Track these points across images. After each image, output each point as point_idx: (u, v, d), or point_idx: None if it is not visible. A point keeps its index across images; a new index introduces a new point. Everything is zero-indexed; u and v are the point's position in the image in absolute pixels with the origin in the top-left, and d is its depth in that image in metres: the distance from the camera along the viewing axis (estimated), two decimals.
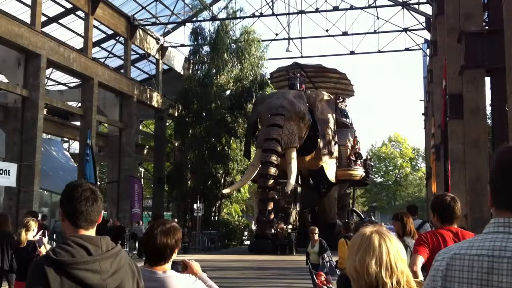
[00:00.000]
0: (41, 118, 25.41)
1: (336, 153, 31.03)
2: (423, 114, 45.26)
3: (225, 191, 31.37)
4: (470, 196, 14.14)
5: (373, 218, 40.33)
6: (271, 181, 27.63)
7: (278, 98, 29.31)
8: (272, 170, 27.45)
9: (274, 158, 27.42)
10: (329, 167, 30.52)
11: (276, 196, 28.46)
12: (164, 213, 38.97)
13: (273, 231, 27.33)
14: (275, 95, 30.65)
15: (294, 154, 27.92)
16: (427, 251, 4.08)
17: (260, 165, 27.91)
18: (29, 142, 24.89)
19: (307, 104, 29.53)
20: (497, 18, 12.59)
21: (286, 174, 27.90)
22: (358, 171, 33.44)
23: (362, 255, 1.87)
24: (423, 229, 7.17)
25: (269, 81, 36.94)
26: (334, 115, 31.50)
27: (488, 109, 17.13)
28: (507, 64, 8.71)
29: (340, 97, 36.15)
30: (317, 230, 11.75)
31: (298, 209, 30.80)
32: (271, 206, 27.74)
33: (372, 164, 46.09)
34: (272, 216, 27.73)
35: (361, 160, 34.22)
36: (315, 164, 29.73)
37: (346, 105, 36.86)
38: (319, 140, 29.51)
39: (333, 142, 30.40)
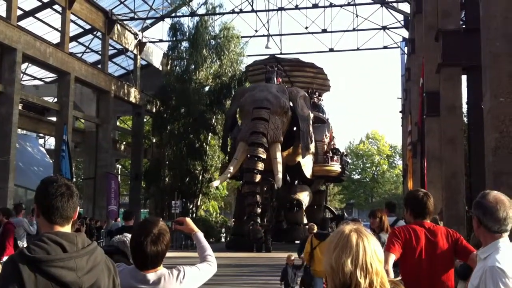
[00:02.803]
0: (16, 113, 25.01)
1: (313, 149, 30.88)
2: (400, 111, 45.60)
3: (215, 183, 30.53)
4: (445, 193, 14.30)
5: (346, 215, 40.19)
6: (259, 176, 26.81)
7: (262, 91, 28.51)
8: (260, 165, 26.65)
9: (262, 152, 26.66)
10: (306, 163, 30.35)
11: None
12: (141, 210, 38.73)
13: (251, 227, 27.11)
14: (258, 87, 29.74)
15: (279, 149, 27.37)
16: (400, 247, 4.10)
17: (247, 159, 26.97)
18: (3, 137, 24.47)
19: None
20: (474, 17, 12.74)
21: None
22: (335, 167, 33.32)
23: (339, 253, 1.87)
24: (397, 226, 7.20)
25: (246, 76, 36.82)
26: (311, 112, 31.35)
27: (464, 107, 17.36)
28: (483, 63, 8.81)
29: (317, 92, 36.14)
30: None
31: (274, 205, 30.59)
32: (259, 199, 27.03)
33: (349, 161, 46.17)
34: (259, 210, 27.05)
35: (338, 156, 34.14)
36: (292, 159, 29.44)
37: (322, 100, 36.90)
38: (300, 136, 29.02)
39: (310, 139, 30.15)
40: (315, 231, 10.54)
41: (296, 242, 28.27)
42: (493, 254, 2.85)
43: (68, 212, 2.36)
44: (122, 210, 38.05)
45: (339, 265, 1.86)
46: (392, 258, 4.03)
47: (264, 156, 26.73)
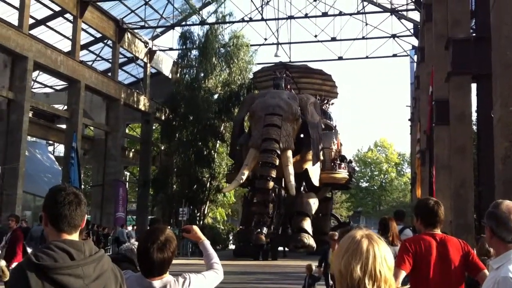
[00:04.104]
0: (26, 120, 25.19)
1: (321, 156, 30.67)
2: (409, 119, 45.51)
3: (232, 186, 29.76)
4: (454, 202, 14.21)
5: (352, 223, 39.90)
6: (271, 183, 26.57)
7: (274, 98, 28.19)
8: (274, 172, 26.39)
9: (275, 158, 26.42)
10: (314, 170, 30.15)
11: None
12: (149, 217, 38.73)
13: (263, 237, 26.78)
14: (269, 94, 29.39)
15: (291, 156, 27.16)
16: (410, 262, 4.07)
17: (260, 166, 26.73)
18: (14, 144, 24.63)
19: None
20: (484, 25, 12.71)
21: None
22: (343, 174, 33.12)
23: (349, 258, 1.85)
24: (404, 235, 7.16)
25: (254, 83, 36.80)
26: (320, 119, 31.18)
27: (474, 116, 17.28)
28: (493, 71, 8.78)
29: (325, 99, 36.04)
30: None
31: (281, 212, 30.34)
32: (270, 209, 26.79)
33: (357, 168, 45.94)
34: (268, 220, 26.77)
35: (345, 163, 33.95)
36: (300, 167, 29.03)
37: (329, 107, 36.81)
38: (310, 143, 28.80)
39: (320, 146, 29.97)
40: (335, 238, 9.72)
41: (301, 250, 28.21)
42: (506, 264, 2.83)
43: (76, 220, 2.37)
44: (130, 217, 38.21)
45: (348, 271, 1.84)
46: (403, 274, 4.01)
47: (277, 163, 26.45)
